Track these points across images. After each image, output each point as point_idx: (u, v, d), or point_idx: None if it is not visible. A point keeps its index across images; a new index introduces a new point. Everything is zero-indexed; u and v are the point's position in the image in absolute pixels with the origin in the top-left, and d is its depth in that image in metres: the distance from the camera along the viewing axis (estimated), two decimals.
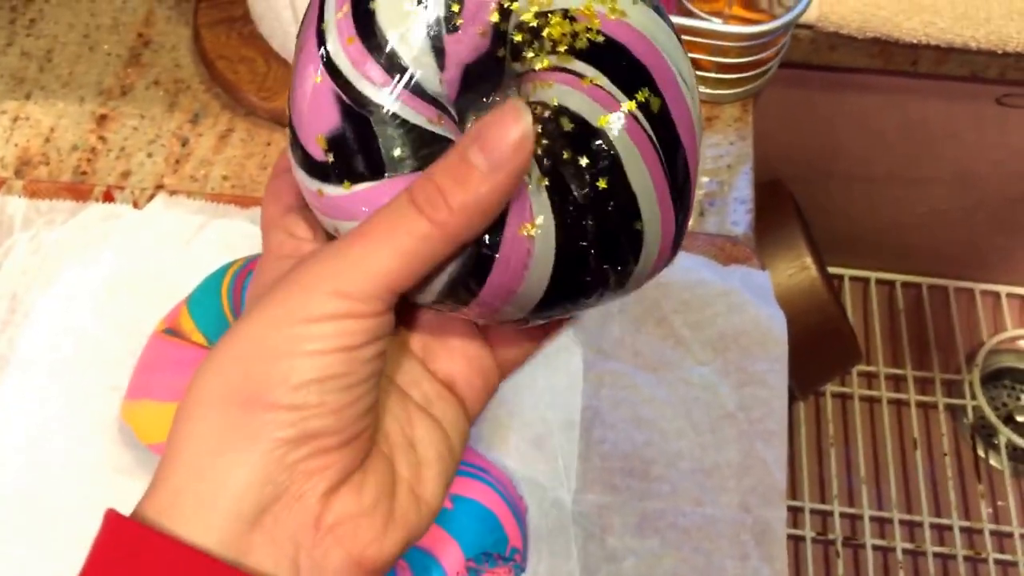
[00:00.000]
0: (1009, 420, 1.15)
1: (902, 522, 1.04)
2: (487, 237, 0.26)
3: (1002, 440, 1.10)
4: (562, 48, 0.27)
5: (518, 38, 0.27)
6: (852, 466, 1.09)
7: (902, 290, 1.18)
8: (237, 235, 0.59)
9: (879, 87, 0.92)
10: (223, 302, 0.50)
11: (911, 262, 1.20)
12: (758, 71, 0.67)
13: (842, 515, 1.05)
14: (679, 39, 0.29)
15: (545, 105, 0.27)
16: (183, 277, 0.56)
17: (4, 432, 0.52)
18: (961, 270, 1.21)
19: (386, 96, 0.26)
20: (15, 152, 0.64)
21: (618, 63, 0.27)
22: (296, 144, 0.28)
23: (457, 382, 0.30)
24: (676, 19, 0.64)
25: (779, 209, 0.92)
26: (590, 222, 0.27)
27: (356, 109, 0.26)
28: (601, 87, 0.27)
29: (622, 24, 0.27)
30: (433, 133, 0.27)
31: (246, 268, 0.51)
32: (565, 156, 0.27)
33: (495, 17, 0.27)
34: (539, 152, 0.27)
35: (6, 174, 0.63)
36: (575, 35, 0.27)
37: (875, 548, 1.03)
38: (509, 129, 0.25)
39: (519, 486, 0.51)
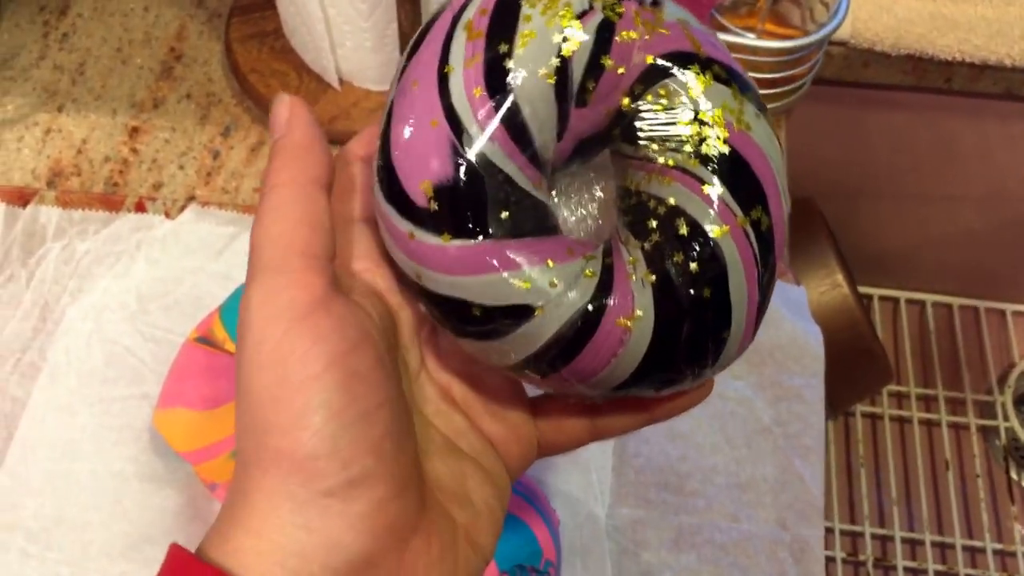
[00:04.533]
0: None
1: (934, 544, 1.03)
2: (584, 320, 0.26)
3: None
4: (687, 149, 0.27)
5: (643, 128, 0.27)
6: (883, 487, 1.07)
7: (932, 310, 1.17)
8: None
9: (911, 104, 0.91)
10: None
11: (942, 282, 1.19)
12: (791, 87, 0.67)
13: (873, 536, 1.03)
14: (783, 152, 0.29)
15: (660, 201, 0.27)
16: (214, 287, 0.56)
17: (35, 440, 0.52)
18: (992, 290, 1.20)
19: (505, 159, 0.26)
20: (47, 164, 0.64)
21: (740, 178, 0.27)
22: (392, 180, 0.27)
23: (497, 443, 0.30)
24: None
25: (810, 227, 0.91)
26: (687, 325, 0.27)
27: (474, 166, 0.26)
28: (721, 198, 0.27)
29: (746, 138, 0.27)
30: (535, 199, 0.27)
31: None
32: (676, 258, 0.27)
33: (626, 102, 0.27)
34: (648, 247, 0.27)
35: (39, 185, 0.63)
36: (703, 140, 0.27)
37: (907, 570, 1.01)
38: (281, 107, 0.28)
39: (552, 499, 0.50)
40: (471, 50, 0.26)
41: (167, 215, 0.61)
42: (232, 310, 0.51)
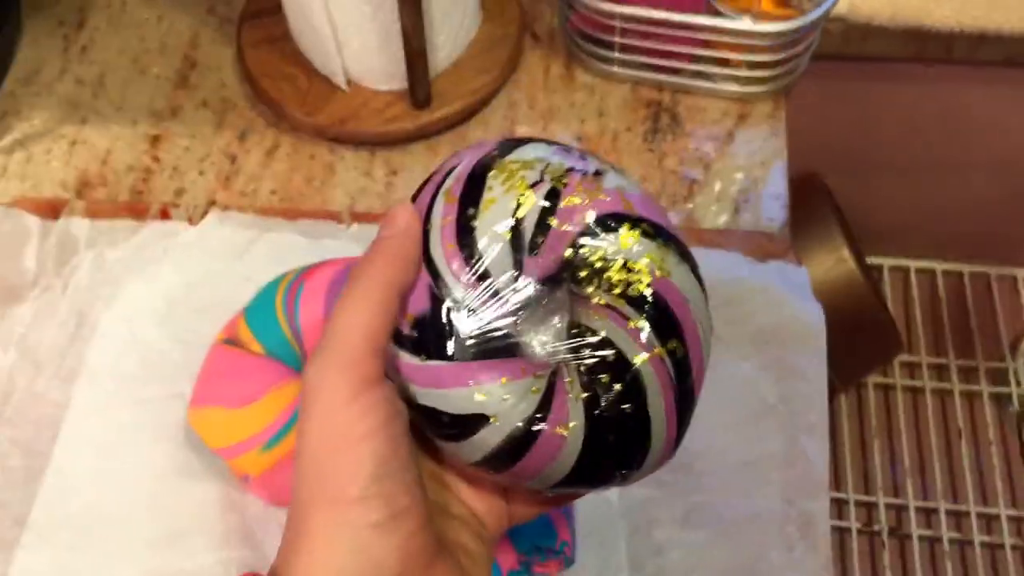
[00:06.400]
0: None
1: (948, 512, 1.05)
2: (528, 428, 0.32)
3: None
4: (617, 291, 0.33)
5: (583, 273, 0.33)
6: (896, 457, 1.09)
7: (943, 278, 1.18)
8: (287, 247, 0.61)
9: (914, 76, 0.92)
10: (278, 313, 0.53)
11: (951, 250, 1.20)
12: (789, 66, 0.68)
13: (887, 506, 1.05)
14: (704, 290, 0.35)
15: (594, 332, 0.33)
16: (238, 289, 0.58)
17: (78, 440, 0.55)
18: (1002, 256, 1.21)
19: (470, 296, 0.32)
20: (75, 175, 0.67)
21: (659, 315, 0.33)
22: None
23: (478, 514, 0.37)
24: (705, 20, 0.65)
25: (815, 202, 0.93)
26: (611, 435, 0.33)
27: (442, 300, 0.32)
28: (642, 331, 0.33)
29: (667, 282, 0.33)
30: (496, 328, 0.33)
31: (298, 279, 0.54)
32: (603, 379, 0.33)
33: (568, 253, 0.33)
34: (583, 370, 0.33)
35: (68, 195, 0.66)
36: (629, 284, 0.33)
37: (921, 539, 1.03)
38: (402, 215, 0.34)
39: None
40: (447, 212, 0.33)
41: (190, 221, 0.63)
42: (255, 313, 0.53)
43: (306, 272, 0.54)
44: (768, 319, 0.59)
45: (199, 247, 0.61)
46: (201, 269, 0.60)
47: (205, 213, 0.64)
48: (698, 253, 0.61)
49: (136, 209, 0.64)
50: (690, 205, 0.66)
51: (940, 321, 1.16)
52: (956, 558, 1.03)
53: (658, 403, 0.33)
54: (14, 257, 0.60)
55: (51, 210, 0.64)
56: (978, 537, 1.03)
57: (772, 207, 0.66)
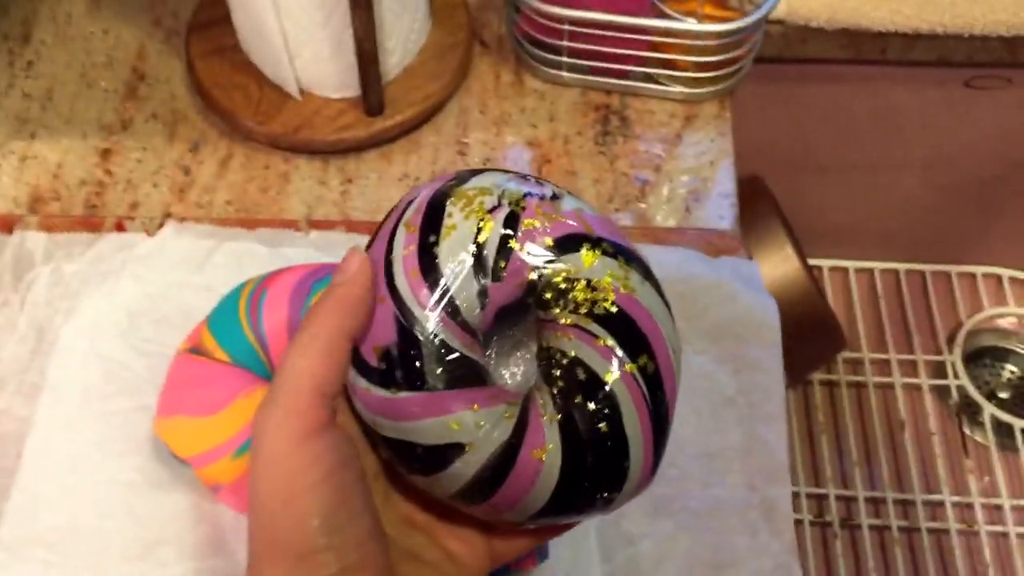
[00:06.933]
0: (992, 396, 1.18)
1: (895, 501, 1.08)
2: (505, 453, 0.32)
3: (987, 416, 1.13)
4: (583, 311, 0.33)
5: (548, 295, 0.33)
6: (844, 450, 1.12)
7: (880, 277, 1.22)
8: (246, 256, 0.61)
9: (850, 77, 0.95)
10: (242, 320, 0.53)
11: (888, 249, 1.23)
12: (733, 68, 0.70)
13: (837, 498, 1.08)
14: (670, 311, 0.35)
15: (563, 353, 0.33)
16: (199, 299, 0.58)
17: (44, 456, 0.54)
18: (938, 253, 1.24)
19: (438, 326, 0.32)
20: (26, 190, 0.66)
21: (627, 331, 0.33)
22: (355, 349, 0.33)
23: (456, 556, 0.36)
24: (650, 22, 0.67)
25: (758, 203, 0.95)
26: (589, 456, 0.33)
27: (412, 333, 0.32)
28: (611, 348, 0.33)
29: (632, 299, 0.33)
30: (466, 357, 0.33)
31: (260, 286, 0.54)
32: (576, 400, 0.33)
33: (532, 275, 0.33)
34: (555, 392, 0.33)
35: (21, 211, 0.65)
36: (594, 302, 0.33)
37: (871, 527, 1.06)
38: (355, 261, 0.33)
39: None
40: (408, 241, 0.33)
41: (147, 233, 0.63)
42: (219, 322, 0.53)
43: (268, 279, 0.54)
44: (723, 313, 0.61)
45: (158, 258, 0.61)
46: (161, 280, 0.60)
47: (161, 225, 0.63)
48: (652, 250, 0.63)
49: (91, 223, 0.64)
50: (643, 205, 0.68)
51: (879, 318, 1.19)
52: (904, 544, 1.06)
53: (633, 421, 0.33)
54: None
55: (4, 225, 0.63)
56: (924, 524, 1.06)
57: (722, 205, 0.68)
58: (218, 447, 0.49)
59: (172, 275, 0.60)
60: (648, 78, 0.72)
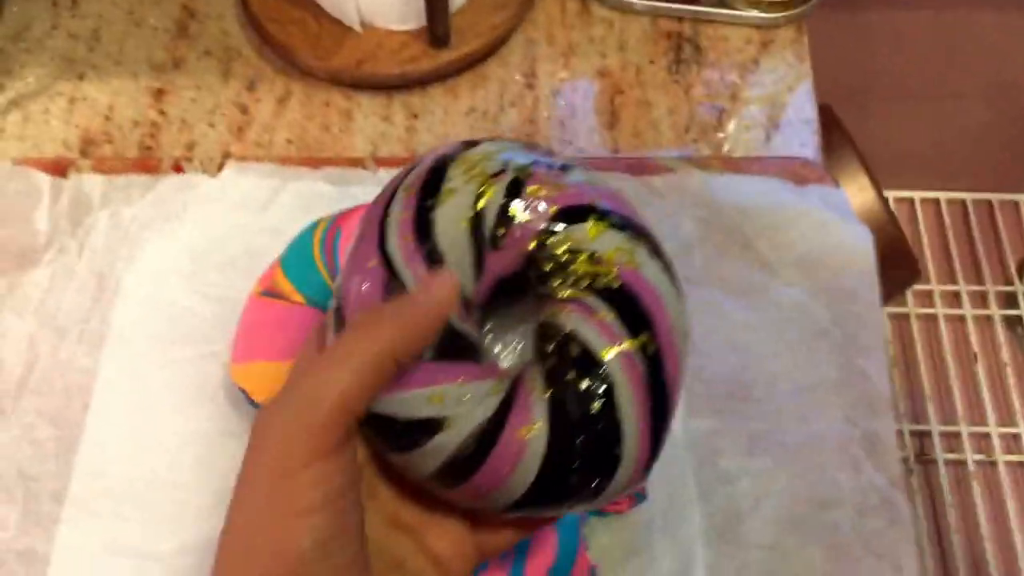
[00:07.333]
0: None
1: (971, 435, 1.05)
2: (487, 431, 0.30)
3: None
4: (583, 284, 0.31)
5: (547, 267, 0.31)
6: (915, 384, 1.09)
7: (947, 207, 1.18)
8: (313, 196, 0.58)
9: (919, 2, 0.91)
10: (317, 261, 0.50)
11: (954, 178, 1.19)
12: None
13: (911, 433, 1.05)
14: (680, 294, 0.33)
15: (559, 328, 0.31)
16: (264, 241, 0.56)
17: (112, 407, 0.52)
18: (1003, 183, 1.20)
19: None
20: (77, 133, 0.64)
21: (628, 307, 0.31)
22: (339, 319, 0.31)
23: (442, 560, 0.33)
24: None
25: (831, 133, 0.91)
26: (579, 439, 0.30)
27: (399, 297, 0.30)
28: (610, 325, 0.31)
29: (636, 275, 0.31)
30: (456, 329, 0.31)
31: (334, 225, 0.51)
32: (568, 377, 0.30)
33: (533, 245, 0.31)
34: (547, 368, 0.31)
35: (73, 155, 0.62)
36: (596, 275, 0.31)
37: (947, 463, 1.03)
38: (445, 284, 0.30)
39: None
40: (406, 205, 0.31)
41: (207, 174, 0.60)
42: (293, 263, 0.51)
43: (341, 217, 0.52)
44: (814, 243, 0.58)
45: (220, 200, 0.58)
46: (224, 222, 0.57)
47: (221, 166, 0.61)
48: (735, 181, 0.60)
49: (147, 165, 0.61)
50: (720, 135, 0.64)
51: (948, 249, 1.15)
52: (981, 479, 1.03)
53: (628, 401, 0.30)
54: (25, 219, 0.57)
55: (57, 169, 0.61)
56: (1001, 457, 1.03)
57: (803, 132, 0.65)
58: None
59: (236, 217, 0.58)
60: (721, 3, 0.68)
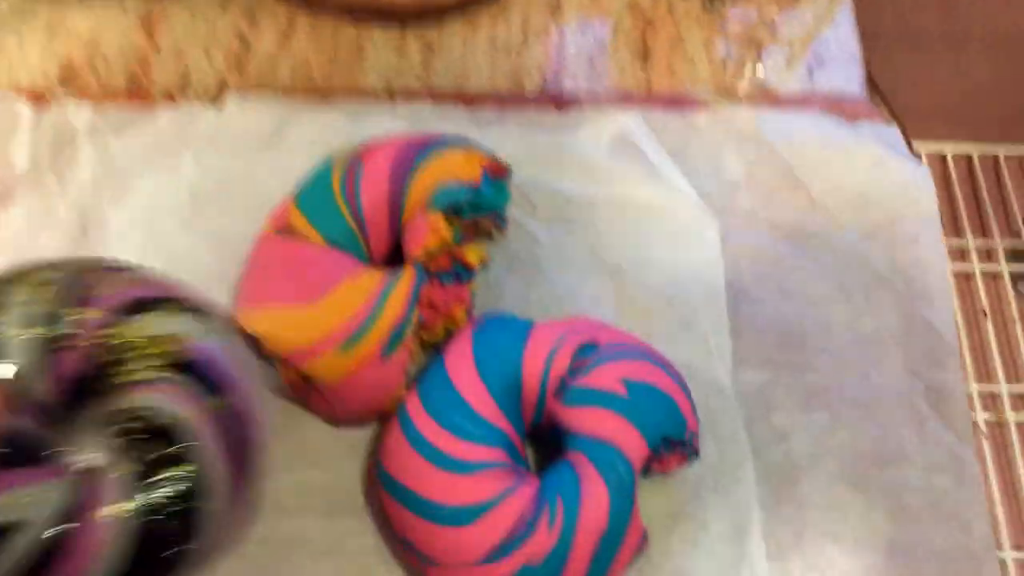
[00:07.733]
0: None
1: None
2: (61, 524, 0.30)
3: None
4: (155, 364, 0.33)
5: (117, 357, 0.33)
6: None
7: (952, 161, 1.14)
8: (326, 131, 0.53)
9: None
10: (336, 198, 0.45)
11: (954, 131, 1.16)
12: None
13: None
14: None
15: (134, 407, 0.32)
16: (271, 179, 0.51)
17: None
18: (1009, 135, 1.17)
19: None
20: (57, 63, 0.57)
21: (198, 375, 0.34)
22: None
23: None
24: None
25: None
26: (163, 510, 0.31)
27: None
28: (186, 391, 0.33)
29: (202, 348, 0.34)
30: (16, 435, 0.32)
31: (354, 160, 0.47)
32: (146, 452, 0.32)
33: (96, 343, 0.33)
34: (122, 446, 0.32)
35: (52, 87, 0.57)
36: (164, 355, 0.33)
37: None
38: None
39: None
40: None
41: (206, 105, 0.55)
42: (309, 199, 0.46)
43: (362, 152, 0.47)
44: (869, 182, 0.53)
45: (222, 134, 0.53)
46: (228, 158, 0.52)
47: (219, 98, 0.55)
48: (781, 117, 0.56)
49: (139, 95, 0.55)
50: (761, 71, 0.59)
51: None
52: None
53: (212, 458, 0.32)
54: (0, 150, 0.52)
55: (36, 100, 0.55)
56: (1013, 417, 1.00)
57: (848, 67, 0.60)
58: (322, 339, 0.42)
59: (239, 152, 0.52)
60: None
